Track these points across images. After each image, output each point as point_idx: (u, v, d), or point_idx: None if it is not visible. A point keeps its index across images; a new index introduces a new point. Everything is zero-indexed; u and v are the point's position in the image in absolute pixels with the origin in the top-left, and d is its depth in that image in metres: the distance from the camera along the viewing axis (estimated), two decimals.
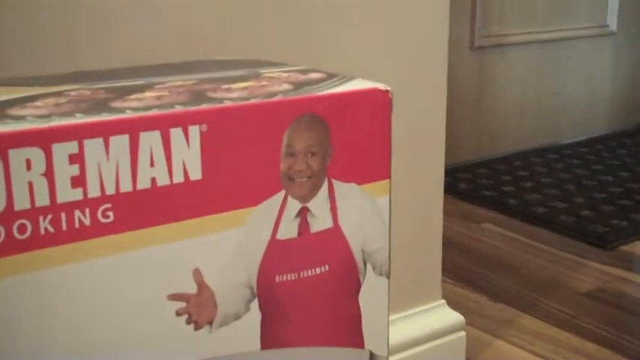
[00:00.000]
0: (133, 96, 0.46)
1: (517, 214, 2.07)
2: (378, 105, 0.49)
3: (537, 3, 2.55)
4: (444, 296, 1.20)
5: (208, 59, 0.67)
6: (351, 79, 0.52)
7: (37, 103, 0.43)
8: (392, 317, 1.11)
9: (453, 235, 1.92)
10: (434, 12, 1.06)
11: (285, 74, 0.54)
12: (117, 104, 0.43)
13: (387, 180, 0.51)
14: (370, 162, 0.50)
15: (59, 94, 0.47)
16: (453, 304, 1.21)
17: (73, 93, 0.47)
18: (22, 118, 0.40)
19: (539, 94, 2.64)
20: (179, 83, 0.51)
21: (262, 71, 0.56)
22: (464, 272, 1.71)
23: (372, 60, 1.02)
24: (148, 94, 0.47)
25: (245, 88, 0.49)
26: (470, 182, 2.32)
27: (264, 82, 0.51)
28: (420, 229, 1.14)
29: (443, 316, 1.18)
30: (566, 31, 2.63)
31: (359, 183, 0.50)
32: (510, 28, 2.50)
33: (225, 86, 0.49)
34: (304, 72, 0.55)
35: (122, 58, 0.81)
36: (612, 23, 2.75)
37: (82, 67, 0.78)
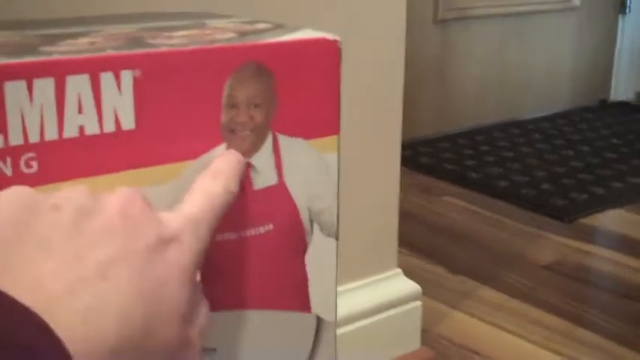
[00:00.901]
0: (65, 42, 0.43)
1: (478, 187, 2.06)
2: (327, 55, 0.47)
3: None
4: (402, 269, 1.18)
5: (154, 11, 0.64)
6: (298, 28, 0.49)
7: None
8: (346, 286, 1.09)
9: (414, 208, 1.91)
10: None
11: (231, 24, 0.52)
12: (45, 48, 0.41)
13: (336, 135, 0.49)
14: (318, 116, 0.48)
15: None
16: (412, 276, 1.20)
17: (1, 39, 0.44)
18: None
19: (502, 68, 2.63)
20: (117, 31, 0.48)
21: (207, 22, 0.54)
22: (424, 245, 1.70)
23: (324, 25, 0.99)
24: (82, 40, 0.44)
25: (186, 35, 0.46)
26: (431, 156, 2.31)
27: (208, 31, 0.48)
28: (376, 197, 1.12)
29: (398, 285, 1.16)
30: (530, 5, 2.62)
31: (306, 138, 0.48)
32: (474, 1, 2.49)
33: (166, 34, 0.47)
34: (251, 22, 0.53)
35: (69, 9, 0.78)
36: None
37: (22, 16, 0.75)
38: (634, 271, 1.57)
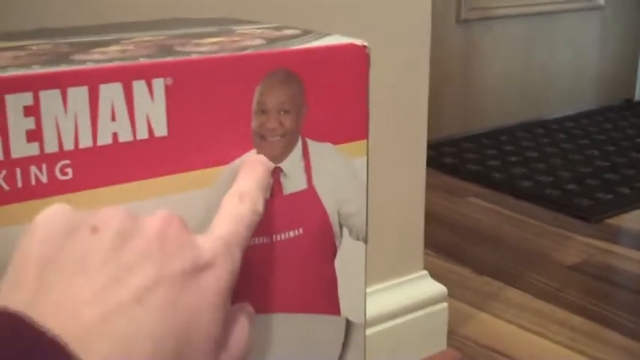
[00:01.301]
0: (97, 50, 0.44)
1: (503, 187, 2.06)
2: (355, 61, 0.47)
3: None
4: (427, 270, 1.19)
5: (180, 18, 0.65)
6: (326, 35, 0.50)
7: None
8: (373, 288, 1.10)
9: (438, 209, 1.90)
10: None
11: (259, 30, 0.52)
12: (78, 57, 0.41)
13: (365, 140, 0.49)
14: (346, 121, 0.48)
15: (20, 48, 0.45)
16: (437, 277, 1.20)
17: (34, 47, 0.45)
18: None
19: (526, 68, 2.62)
20: (147, 38, 0.49)
21: (235, 28, 0.54)
22: (448, 246, 1.70)
23: (351, 27, 0.99)
24: (113, 48, 0.45)
25: (215, 42, 0.47)
26: (455, 156, 2.30)
27: (236, 38, 0.49)
28: (402, 198, 1.12)
29: (425, 287, 1.17)
30: (554, 4, 2.61)
31: (335, 143, 0.48)
32: (497, 1, 2.48)
33: (195, 41, 0.47)
34: (279, 28, 0.53)
35: (93, 16, 0.79)
36: None
37: (51, 24, 0.76)
38: None
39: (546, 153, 2.33)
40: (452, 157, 2.29)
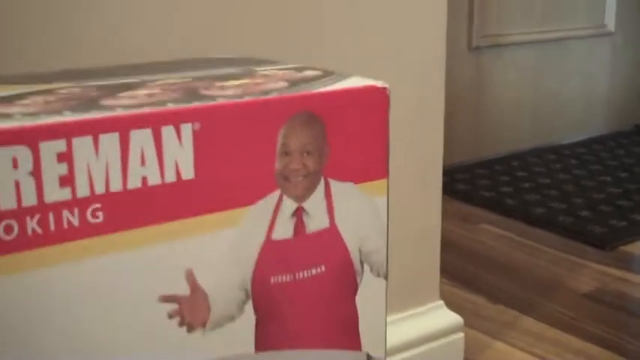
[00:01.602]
0: (125, 94, 0.45)
1: (515, 214, 2.06)
2: (375, 102, 0.48)
3: (536, 3, 2.55)
4: (441, 298, 1.19)
5: (202, 57, 0.66)
6: (347, 76, 0.51)
7: (25, 101, 0.42)
8: (390, 318, 1.10)
9: (451, 236, 1.91)
10: (432, 11, 1.05)
11: (281, 72, 0.53)
12: (107, 102, 0.42)
13: (385, 179, 0.50)
14: (367, 161, 0.49)
15: (49, 92, 0.46)
16: (451, 306, 1.20)
17: (63, 91, 0.46)
18: (9, 116, 0.39)
19: (537, 94, 2.63)
20: (172, 81, 0.50)
21: (257, 69, 0.55)
22: (462, 274, 1.70)
23: (369, 59, 1.01)
24: (140, 91, 0.46)
25: (239, 85, 0.48)
26: (468, 183, 2.31)
27: (259, 80, 0.50)
28: (419, 230, 1.13)
29: (441, 317, 1.17)
30: (564, 31, 2.62)
31: (356, 182, 0.49)
32: (508, 28, 2.49)
33: (219, 84, 0.48)
34: (300, 69, 0.54)
35: (115, 56, 0.80)
36: (610, 23, 2.75)
37: (74, 65, 0.77)
38: None
39: (559, 179, 2.34)
40: (464, 183, 2.30)
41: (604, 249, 1.83)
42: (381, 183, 0.50)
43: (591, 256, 1.80)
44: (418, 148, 1.08)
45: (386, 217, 0.51)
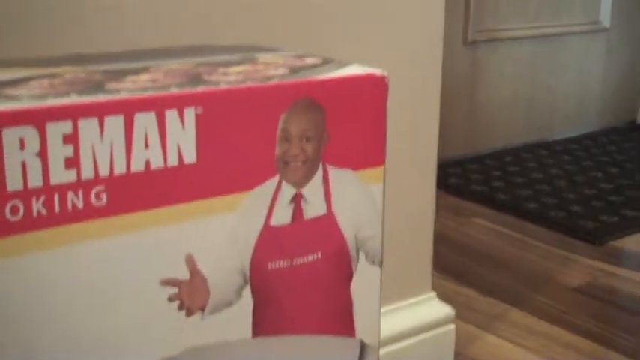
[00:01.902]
0: (129, 78, 0.46)
1: (507, 209, 2.07)
2: (375, 91, 0.49)
3: None
4: (433, 290, 1.20)
5: (204, 45, 0.67)
6: (347, 64, 0.52)
7: (32, 83, 0.43)
8: (382, 309, 1.11)
9: (443, 230, 1.92)
10: (429, 4, 1.06)
11: (281, 59, 0.54)
12: (112, 85, 0.43)
13: (382, 167, 0.51)
14: (365, 148, 0.50)
15: (54, 75, 0.46)
16: (443, 298, 1.21)
17: (68, 75, 0.47)
18: (16, 97, 0.39)
19: (532, 90, 2.64)
20: (175, 67, 0.50)
21: (258, 56, 0.56)
22: (453, 266, 1.71)
23: (366, 51, 1.01)
24: (144, 76, 0.46)
25: (241, 71, 0.49)
26: (460, 177, 2.32)
27: (260, 67, 0.51)
28: (412, 222, 1.13)
29: (433, 308, 1.18)
30: (559, 27, 2.63)
31: (354, 169, 0.50)
32: (504, 23, 2.50)
33: (222, 70, 0.49)
34: (300, 57, 0.55)
35: (120, 43, 0.80)
36: (605, 19, 2.76)
37: (80, 50, 0.78)
38: None
39: (551, 175, 2.35)
40: (457, 177, 2.31)
41: (594, 244, 1.85)
42: (378, 170, 0.51)
43: (582, 251, 1.81)
44: (414, 139, 1.09)
45: (382, 204, 0.52)
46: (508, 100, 2.59)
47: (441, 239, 1.81)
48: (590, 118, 2.83)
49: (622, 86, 2.88)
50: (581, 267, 1.72)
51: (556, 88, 2.70)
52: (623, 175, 2.35)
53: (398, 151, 1.08)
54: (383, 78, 0.49)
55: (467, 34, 2.42)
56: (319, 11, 0.96)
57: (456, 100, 2.45)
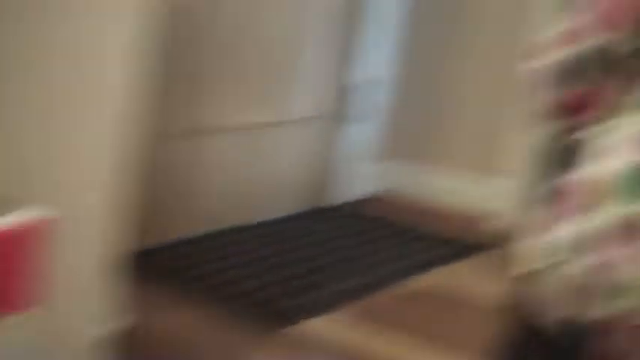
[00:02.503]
0: None
1: (210, 295, 2.11)
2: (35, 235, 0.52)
3: (251, 87, 2.68)
4: None
5: None
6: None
7: None
8: None
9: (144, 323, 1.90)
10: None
11: None
12: None
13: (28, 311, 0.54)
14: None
15: None
16: None
17: None
18: None
19: (232, 177, 2.72)
20: None
21: None
22: None
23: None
24: None
25: None
26: (162, 264, 2.32)
27: None
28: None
29: None
30: (264, 117, 2.76)
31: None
32: (203, 116, 2.57)
33: None
34: None
35: None
36: (296, 113, 2.92)
37: None
38: None
39: (251, 258, 2.43)
40: (161, 264, 2.31)
41: (286, 327, 1.93)
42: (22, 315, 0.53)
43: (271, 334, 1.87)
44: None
45: None
46: (211, 188, 2.64)
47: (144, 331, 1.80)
48: (284, 203, 2.94)
49: (312, 172, 3.04)
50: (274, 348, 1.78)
51: (255, 176, 2.80)
52: (312, 258, 2.48)
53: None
54: (47, 221, 0.53)
55: (169, 127, 2.44)
56: None
57: (166, 186, 2.45)
